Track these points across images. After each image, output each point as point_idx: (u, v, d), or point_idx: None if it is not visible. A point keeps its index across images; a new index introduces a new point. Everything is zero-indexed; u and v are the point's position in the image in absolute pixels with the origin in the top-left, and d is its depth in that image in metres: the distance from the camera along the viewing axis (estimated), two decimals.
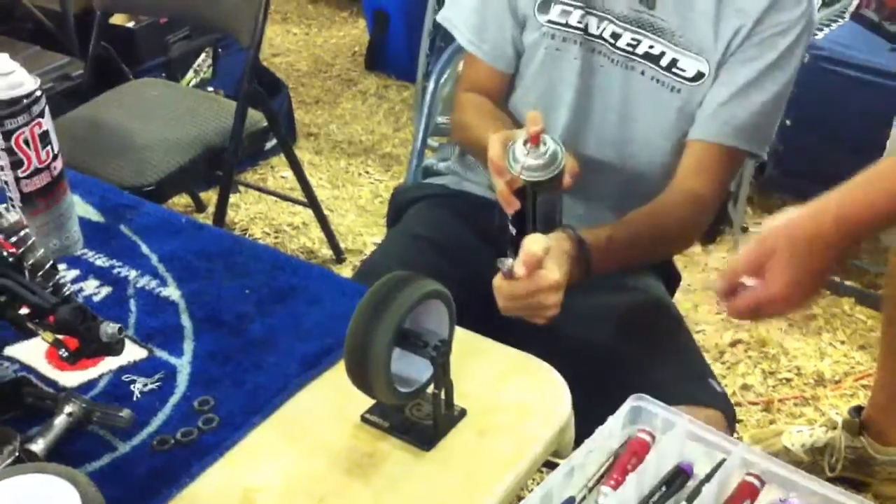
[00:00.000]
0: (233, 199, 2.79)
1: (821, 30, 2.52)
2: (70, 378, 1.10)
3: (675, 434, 0.97)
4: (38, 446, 0.98)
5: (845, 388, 2.19)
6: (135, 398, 1.07)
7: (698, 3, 1.34)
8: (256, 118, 2.34)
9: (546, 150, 1.20)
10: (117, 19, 2.92)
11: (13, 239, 1.01)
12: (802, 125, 2.47)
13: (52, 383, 1.10)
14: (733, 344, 2.32)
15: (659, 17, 1.36)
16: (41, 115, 1.21)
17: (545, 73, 1.44)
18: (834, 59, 2.41)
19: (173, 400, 1.07)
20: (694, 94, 1.37)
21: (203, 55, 3.20)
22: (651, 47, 1.37)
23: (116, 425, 1.02)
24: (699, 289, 2.50)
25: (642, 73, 1.38)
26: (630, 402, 1.00)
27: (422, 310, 1.00)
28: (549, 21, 1.41)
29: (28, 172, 1.22)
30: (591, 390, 1.09)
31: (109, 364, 1.11)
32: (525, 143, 1.19)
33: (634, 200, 1.37)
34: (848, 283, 2.47)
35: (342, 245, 2.67)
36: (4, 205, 1.05)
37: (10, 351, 1.13)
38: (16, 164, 1.21)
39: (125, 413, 1.02)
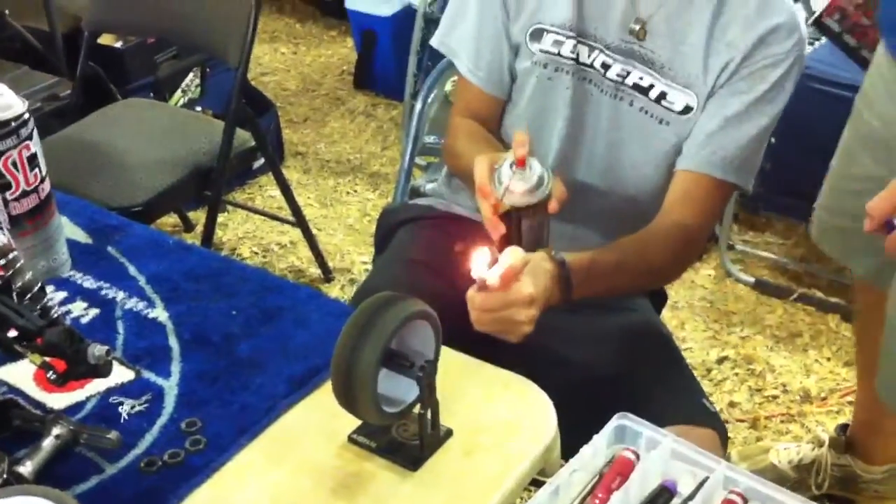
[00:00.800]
0: (221, 218, 2.79)
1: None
2: (58, 400, 1.11)
3: (659, 452, 0.97)
4: (27, 468, 0.99)
5: (831, 404, 2.20)
6: (122, 420, 1.08)
7: (689, 36, 1.35)
8: (244, 137, 2.35)
9: (532, 174, 1.19)
10: (105, 39, 2.93)
11: (1, 262, 1.02)
12: (788, 143, 2.48)
13: (39, 405, 1.10)
14: (720, 361, 2.34)
15: (649, 49, 1.37)
16: (29, 137, 1.22)
17: (537, 101, 1.45)
18: (819, 78, 2.43)
19: (161, 421, 1.08)
20: (682, 126, 1.38)
21: (191, 75, 3.21)
22: (640, 79, 1.37)
23: (104, 447, 1.02)
24: (686, 306, 2.51)
25: (631, 103, 1.39)
26: (615, 421, 1.00)
27: (408, 330, 1.01)
28: (542, 50, 1.41)
29: (16, 195, 1.22)
30: (581, 410, 1.10)
31: (97, 386, 1.12)
32: (511, 165, 1.19)
33: (624, 224, 1.38)
34: (833, 299, 2.49)
35: (330, 264, 2.68)
36: None
37: None
38: (4, 187, 1.22)
39: (113, 435, 1.02)
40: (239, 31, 2.19)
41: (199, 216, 2.73)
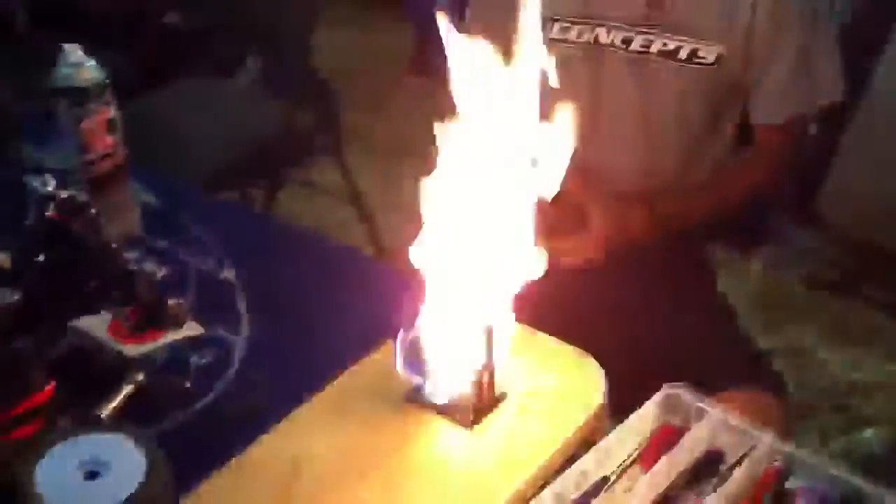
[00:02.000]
0: (279, 196, 2.85)
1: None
2: (132, 350, 1.16)
3: (706, 422, 1.01)
4: (104, 411, 1.04)
5: (878, 396, 2.21)
6: (192, 370, 1.13)
7: None
8: (305, 118, 2.40)
9: None
10: (168, 18, 3.01)
11: (82, 219, 1.07)
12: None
13: (115, 354, 1.16)
14: (769, 352, 2.34)
15: (668, 13, 1.39)
16: (108, 104, 1.28)
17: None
18: None
19: (228, 373, 1.13)
20: (718, 73, 1.40)
21: (251, 56, 3.27)
22: (665, 45, 1.39)
23: (176, 394, 1.08)
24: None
25: (658, 69, 1.41)
26: (664, 391, 1.04)
27: None
28: (550, 38, 1.42)
29: (94, 158, 1.29)
30: (635, 379, 1.13)
31: (169, 338, 1.17)
32: None
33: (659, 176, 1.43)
34: (888, 297, 2.49)
35: (385, 244, 2.73)
36: (75, 187, 1.11)
37: (75, 324, 1.20)
38: (84, 150, 1.28)
39: (184, 382, 1.08)
40: (303, 13, 2.25)
41: (257, 194, 2.79)
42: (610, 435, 1.00)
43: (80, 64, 1.24)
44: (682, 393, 1.03)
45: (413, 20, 3.68)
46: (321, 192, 2.94)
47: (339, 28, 4.10)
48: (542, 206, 1.22)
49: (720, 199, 1.46)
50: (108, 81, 1.27)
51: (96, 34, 2.99)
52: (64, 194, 1.06)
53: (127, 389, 1.08)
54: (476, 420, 1.06)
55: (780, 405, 1.31)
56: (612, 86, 1.45)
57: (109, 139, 1.28)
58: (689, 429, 1.00)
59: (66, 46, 1.25)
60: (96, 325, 1.20)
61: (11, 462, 0.90)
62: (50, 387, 1.02)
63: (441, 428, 1.06)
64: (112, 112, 1.28)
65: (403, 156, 3.20)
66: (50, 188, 1.08)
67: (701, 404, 1.02)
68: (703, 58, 1.39)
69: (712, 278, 1.65)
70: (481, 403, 1.07)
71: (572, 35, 1.42)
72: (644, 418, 1.02)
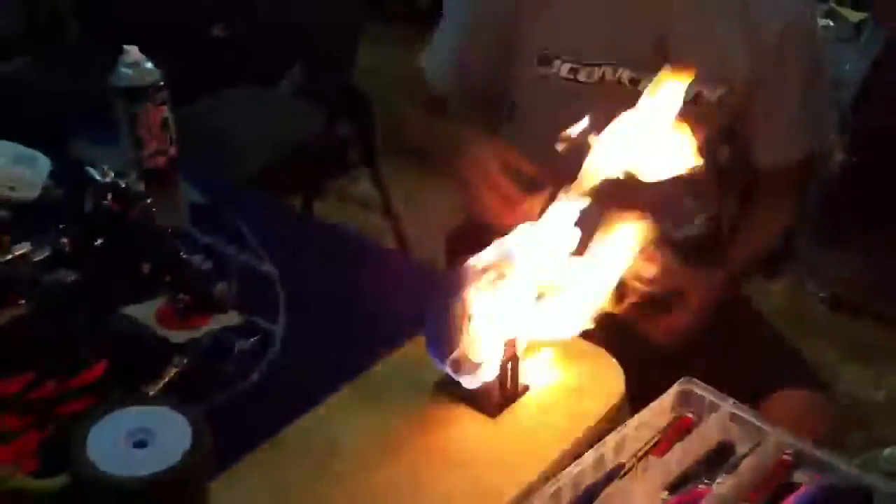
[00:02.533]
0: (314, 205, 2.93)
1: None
2: (178, 336, 1.23)
3: (719, 415, 1.06)
4: (150, 391, 1.11)
5: None
6: (235, 356, 1.20)
7: (715, 30, 1.43)
8: (344, 129, 2.48)
9: None
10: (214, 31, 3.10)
11: (139, 207, 1.15)
12: (870, 159, 2.54)
13: (161, 339, 1.23)
14: None
15: (676, 57, 1.40)
16: (164, 102, 1.36)
17: (552, 119, 1.52)
18: None
19: (268, 359, 1.20)
20: (719, 111, 1.47)
21: (295, 67, 3.36)
22: None
23: (220, 377, 1.15)
24: None
25: None
26: (679, 385, 1.09)
27: None
28: (557, 75, 1.46)
29: (149, 153, 1.36)
30: (657, 378, 1.18)
31: (213, 325, 1.24)
32: None
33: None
34: None
35: (415, 256, 2.79)
36: (130, 180, 1.18)
37: (126, 310, 1.27)
38: (139, 146, 1.36)
39: (228, 367, 1.15)
40: (348, 27, 2.33)
41: (293, 201, 2.87)
42: (626, 423, 1.05)
43: (138, 64, 1.32)
44: (697, 387, 1.09)
45: None
46: (354, 203, 3.01)
47: (376, 44, 4.19)
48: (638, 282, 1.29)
49: (765, 240, 1.56)
50: (163, 82, 1.34)
51: (144, 44, 3.11)
52: (122, 184, 1.13)
53: (171, 372, 1.15)
54: (500, 410, 1.12)
55: (831, 405, 1.36)
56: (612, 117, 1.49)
57: (163, 136, 1.35)
58: (703, 421, 1.06)
59: (126, 47, 1.33)
60: (144, 312, 1.28)
61: (66, 431, 0.97)
62: (102, 365, 1.09)
63: (467, 416, 1.12)
64: (166, 111, 1.35)
65: (433, 171, 3.27)
66: (108, 179, 1.15)
67: (713, 398, 1.07)
68: (706, 98, 1.45)
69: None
70: (505, 394, 1.13)
71: (581, 76, 1.46)
72: (660, 410, 1.08)
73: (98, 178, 1.15)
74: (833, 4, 2.89)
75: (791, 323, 2.52)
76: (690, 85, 1.42)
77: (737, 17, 1.44)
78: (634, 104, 1.44)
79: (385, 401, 1.14)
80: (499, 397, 1.13)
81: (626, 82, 1.45)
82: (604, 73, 1.45)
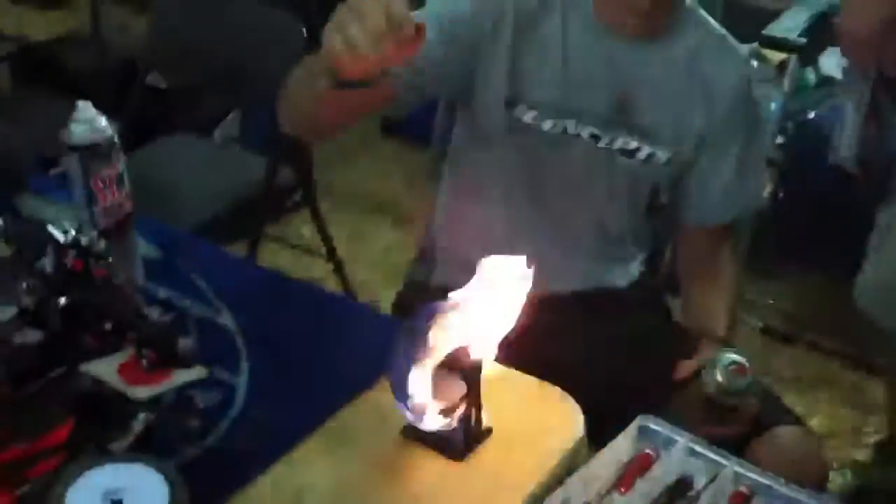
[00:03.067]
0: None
1: (813, 109, 2.70)
2: (140, 392, 1.23)
3: (676, 449, 1.10)
4: (119, 445, 1.12)
5: (835, 443, 2.32)
6: (199, 409, 1.21)
7: (672, 98, 1.49)
8: (286, 174, 2.50)
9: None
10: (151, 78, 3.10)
11: (101, 264, 1.15)
12: (796, 196, 2.64)
13: (123, 396, 1.23)
14: None
15: (634, 116, 1.49)
16: (118, 158, 1.37)
17: (510, 158, 1.54)
18: (825, 137, 2.57)
19: (233, 412, 1.21)
20: (667, 171, 1.53)
21: (231, 114, 3.38)
22: (626, 143, 1.50)
23: (186, 431, 1.16)
24: None
25: (618, 163, 1.51)
26: (637, 422, 1.13)
27: None
28: (520, 120, 1.49)
29: (103, 209, 1.37)
30: (609, 415, 1.23)
31: (174, 380, 1.25)
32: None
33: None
34: (837, 347, 2.62)
35: (358, 299, 2.81)
36: (93, 234, 1.19)
37: (86, 368, 1.27)
38: (93, 202, 1.36)
39: (194, 420, 1.15)
40: (282, 71, 2.34)
41: (235, 249, 2.87)
42: (590, 463, 1.09)
43: (92, 120, 1.33)
44: (654, 424, 1.13)
45: None
46: (296, 247, 3.02)
47: None
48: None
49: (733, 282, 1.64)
50: (118, 138, 1.35)
51: (78, 92, 3.10)
52: (84, 242, 1.14)
53: (138, 429, 1.15)
54: (465, 453, 1.15)
55: (821, 440, 1.43)
56: (577, 170, 1.54)
57: (119, 192, 1.36)
58: (661, 457, 1.10)
59: (80, 104, 1.34)
60: (105, 369, 1.28)
61: (41, 492, 0.97)
62: (70, 423, 1.09)
63: (432, 460, 1.15)
64: (121, 167, 1.36)
65: (373, 212, 3.30)
66: (70, 237, 1.15)
67: (670, 433, 1.12)
68: (659, 159, 1.51)
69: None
70: (469, 437, 1.16)
71: (546, 126, 1.50)
72: (620, 447, 1.11)
73: (59, 236, 1.15)
74: (756, 45, 3.00)
75: None
76: (643, 146, 1.48)
77: (694, 80, 1.50)
78: (594, 160, 1.50)
79: (352, 448, 1.16)
80: (463, 441, 1.16)
81: (588, 137, 1.50)
82: (566, 127, 1.50)
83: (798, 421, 1.50)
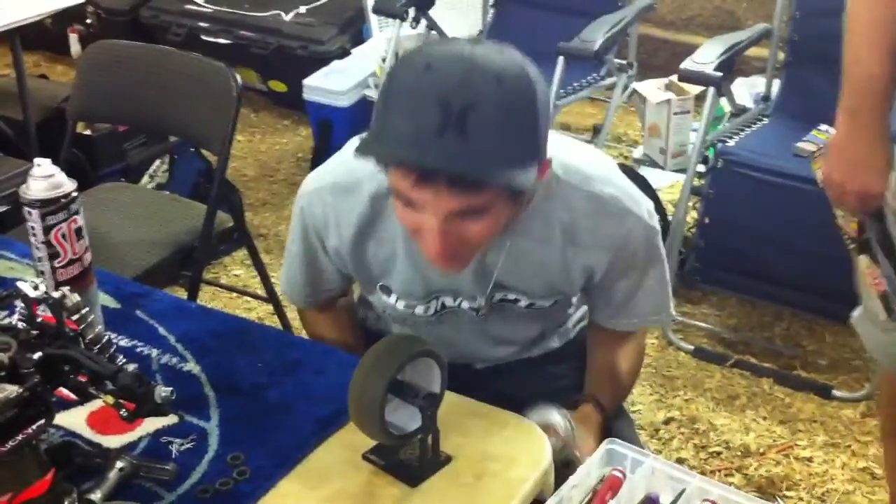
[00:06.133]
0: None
1: (731, 137, 2.81)
2: (112, 441, 1.25)
3: (643, 470, 1.16)
4: (97, 496, 1.13)
5: (769, 458, 2.41)
6: (174, 456, 1.23)
7: (545, 265, 1.42)
8: (223, 218, 2.51)
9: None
10: (77, 127, 3.09)
11: (75, 317, 1.17)
12: (719, 222, 2.74)
13: (95, 446, 1.24)
14: (666, 422, 2.53)
15: (510, 285, 1.45)
16: (77, 212, 1.38)
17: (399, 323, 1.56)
18: (745, 164, 2.68)
19: (208, 457, 1.23)
20: (555, 310, 1.53)
21: (158, 161, 3.38)
22: (506, 296, 1.46)
23: (163, 478, 1.17)
24: None
25: (507, 310, 1.49)
26: (605, 446, 1.19)
27: (417, 366, 1.19)
28: (393, 306, 1.49)
29: (63, 263, 1.38)
30: None
31: (146, 428, 1.27)
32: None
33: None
34: (766, 364, 2.72)
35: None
36: (66, 288, 1.20)
37: (57, 420, 1.27)
38: (53, 256, 1.37)
39: (170, 466, 1.17)
40: (222, 121, 2.37)
41: (173, 293, 2.86)
42: (562, 487, 1.14)
43: (52, 176, 1.34)
44: (619, 446, 1.18)
45: (313, 123, 3.84)
46: (232, 290, 3.03)
47: (235, 132, 4.23)
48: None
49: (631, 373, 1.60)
50: (76, 194, 1.37)
51: (9, 144, 3.06)
52: (57, 295, 1.15)
53: (113, 476, 1.16)
54: (419, 479, 1.19)
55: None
56: (461, 328, 1.53)
57: (78, 245, 1.37)
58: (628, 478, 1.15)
59: (37, 160, 1.35)
60: (75, 420, 1.29)
61: None
62: (51, 475, 1.10)
63: (391, 486, 1.19)
64: (80, 220, 1.37)
65: None
66: (40, 292, 1.16)
67: (636, 455, 1.17)
68: (542, 305, 1.49)
69: None
70: (424, 464, 1.20)
71: (419, 311, 1.48)
72: (589, 471, 1.16)
73: (29, 291, 1.16)
74: (673, 78, 3.13)
75: (662, 377, 2.70)
76: (522, 299, 1.47)
77: (567, 250, 1.42)
78: (471, 323, 1.50)
79: (328, 487, 1.19)
80: (417, 467, 1.20)
81: (467, 308, 1.48)
82: (443, 303, 1.48)
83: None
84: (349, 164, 1.37)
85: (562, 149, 1.37)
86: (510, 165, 1.16)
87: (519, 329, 1.56)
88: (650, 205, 1.44)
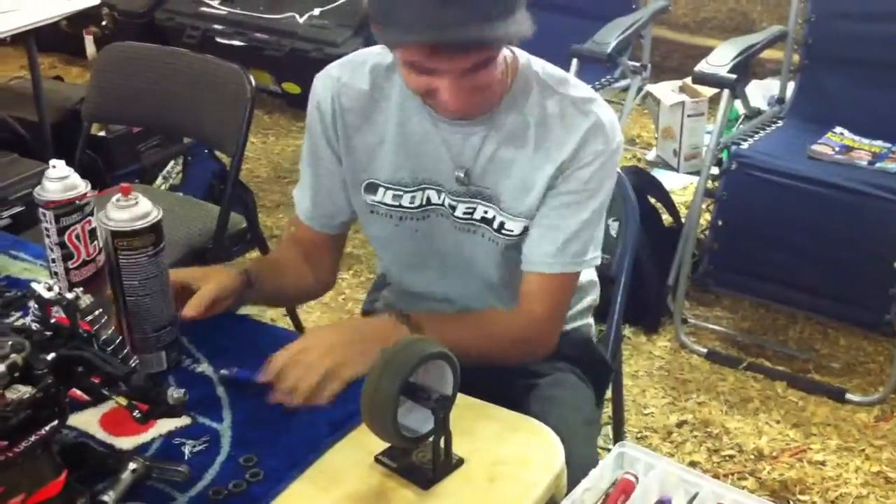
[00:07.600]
0: None
1: (745, 140, 2.80)
2: (124, 442, 1.25)
3: (655, 474, 1.15)
4: (109, 497, 1.13)
5: (782, 462, 2.40)
6: (186, 458, 1.23)
7: (512, 170, 1.49)
8: (237, 219, 2.52)
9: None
10: (92, 128, 3.10)
11: (88, 318, 1.17)
12: (733, 225, 2.73)
13: (108, 447, 1.25)
14: (679, 425, 2.53)
15: (483, 187, 1.51)
16: (91, 213, 1.39)
17: (385, 234, 1.61)
18: (759, 167, 2.68)
19: (220, 458, 1.23)
20: (521, 244, 1.54)
21: (172, 162, 3.39)
22: (486, 212, 1.52)
23: (175, 479, 1.18)
24: (645, 375, 2.71)
25: (482, 235, 1.54)
26: (616, 449, 1.18)
27: (430, 368, 1.19)
28: (382, 202, 1.55)
29: (77, 264, 1.38)
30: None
31: (159, 429, 1.27)
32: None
33: None
34: (779, 368, 2.71)
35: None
36: (80, 289, 1.20)
37: (70, 422, 1.27)
38: (67, 257, 1.37)
39: (183, 468, 1.17)
40: (235, 123, 2.38)
41: None
42: (575, 490, 1.14)
43: (66, 177, 1.35)
44: (631, 449, 1.18)
45: None
46: None
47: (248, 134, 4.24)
48: None
49: (484, 336, 1.51)
50: (90, 195, 1.37)
51: (25, 145, 3.08)
52: (71, 296, 1.16)
53: (126, 477, 1.17)
54: (432, 482, 1.19)
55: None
56: (441, 242, 1.58)
57: (92, 246, 1.38)
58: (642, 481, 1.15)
59: (53, 162, 1.35)
60: (88, 421, 1.29)
61: None
62: (63, 476, 1.11)
63: (403, 488, 1.19)
64: (94, 221, 1.38)
65: None
66: (54, 293, 1.17)
67: (648, 458, 1.17)
68: (510, 231, 1.52)
69: None
70: (436, 467, 1.20)
71: (405, 201, 1.55)
72: (602, 474, 1.16)
73: (44, 292, 1.16)
74: (688, 81, 3.12)
75: (675, 380, 2.69)
76: (496, 216, 1.51)
77: (539, 147, 1.48)
78: (449, 231, 1.54)
79: (341, 488, 1.19)
80: (430, 470, 1.20)
81: (447, 207, 1.54)
82: (429, 197, 1.54)
83: None
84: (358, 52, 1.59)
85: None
86: (504, 18, 1.31)
87: (487, 262, 1.57)
88: (620, 137, 1.52)
